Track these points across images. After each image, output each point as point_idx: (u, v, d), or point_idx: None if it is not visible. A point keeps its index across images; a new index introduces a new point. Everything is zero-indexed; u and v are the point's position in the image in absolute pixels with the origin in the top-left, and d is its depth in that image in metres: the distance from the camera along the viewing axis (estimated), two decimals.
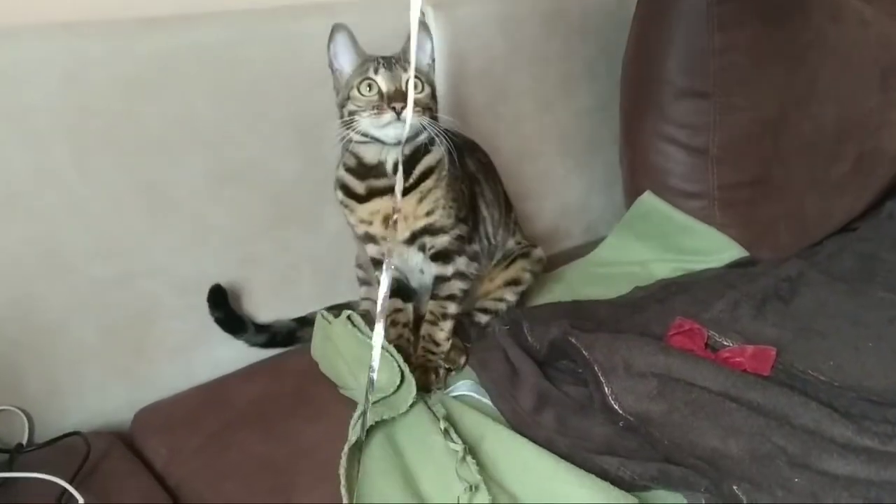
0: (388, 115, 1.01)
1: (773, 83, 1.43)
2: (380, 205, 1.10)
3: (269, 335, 1.25)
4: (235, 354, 1.22)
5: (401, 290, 1.18)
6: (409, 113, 0.92)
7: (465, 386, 1.07)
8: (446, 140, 1.07)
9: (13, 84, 1.01)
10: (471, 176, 1.23)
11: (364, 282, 1.28)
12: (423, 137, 1.09)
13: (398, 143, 0.99)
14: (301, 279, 1.30)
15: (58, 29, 1.06)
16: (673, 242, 1.47)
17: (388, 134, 1.04)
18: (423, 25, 1.05)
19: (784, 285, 1.30)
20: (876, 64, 1.59)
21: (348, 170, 1.12)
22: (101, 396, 1.14)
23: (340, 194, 1.14)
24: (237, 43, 1.18)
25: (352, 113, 1.04)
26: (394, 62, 1.05)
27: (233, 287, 1.22)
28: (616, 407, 0.98)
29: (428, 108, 1.07)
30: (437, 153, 1.12)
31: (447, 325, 1.14)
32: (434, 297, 1.15)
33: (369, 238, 1.14)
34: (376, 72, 1.04)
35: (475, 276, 1.20)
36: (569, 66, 1.60)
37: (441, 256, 1.14)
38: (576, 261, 1.51)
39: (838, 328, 1.19)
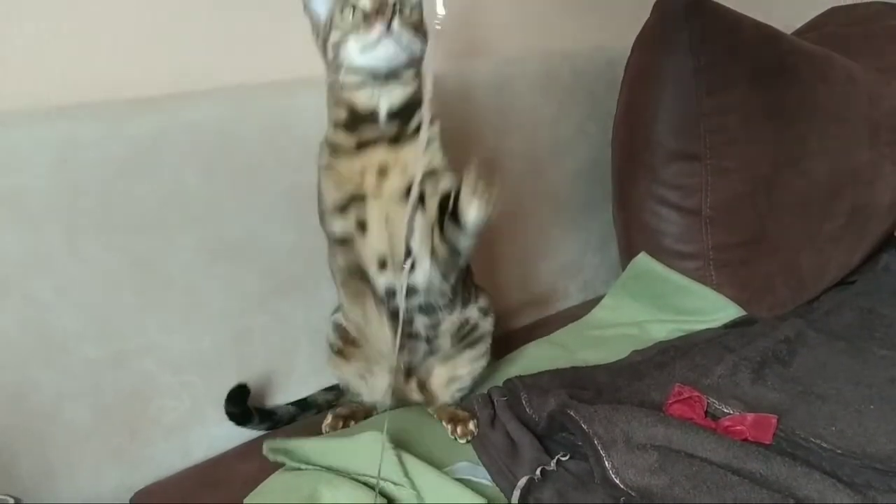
0: (378, 29, 0.91)
1: (764, 143, 1.44)
2: (373, 156, 1.00)
3: (272, 422, 1.23)
4: (231, 432, 1.20)
5: None
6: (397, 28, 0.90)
7: (463, 469, 1.05)
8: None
9: (5, 168, 1.02)
10: None
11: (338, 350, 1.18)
12: (414, 75, 0.98)
13: (391, 77, 0.95)
14: (298, 351, 1.29)
15: (49, 112, 1.06)
16: (669, 303, 1.47)
17: (379, 56, 0.94)
18: None
19: (783, 347, 1.29)
20: (866, 120, 1.61)
21: (337, 126, 1.01)
22: (94, 479, 1.12)
23: (326, 155, 1.03)
24: (228, 119, 1.18)
25: (336, 45, 0.96)
26: None
27: (228, 363, 1.21)
28: (617, 481, 0.97)
29: (419, 30, 0.96)
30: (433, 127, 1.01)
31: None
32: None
33: (350, 199, 1.01)
34: None
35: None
36: (560, 127, 1.61)
37: (453, 202, 0.99)
38: (572, 323, 1.50)
39: (839, 390, 1.18)
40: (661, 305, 1.47)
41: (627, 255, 1.53)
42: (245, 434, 1.21)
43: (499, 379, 1.24)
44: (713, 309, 1.44)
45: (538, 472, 0.98)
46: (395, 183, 1.00)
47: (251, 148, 1.20)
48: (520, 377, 1.21)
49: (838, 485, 0.94)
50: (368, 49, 0.93)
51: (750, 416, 1.08)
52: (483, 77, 1.48)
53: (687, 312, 1.45)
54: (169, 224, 1.14)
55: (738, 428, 1.06)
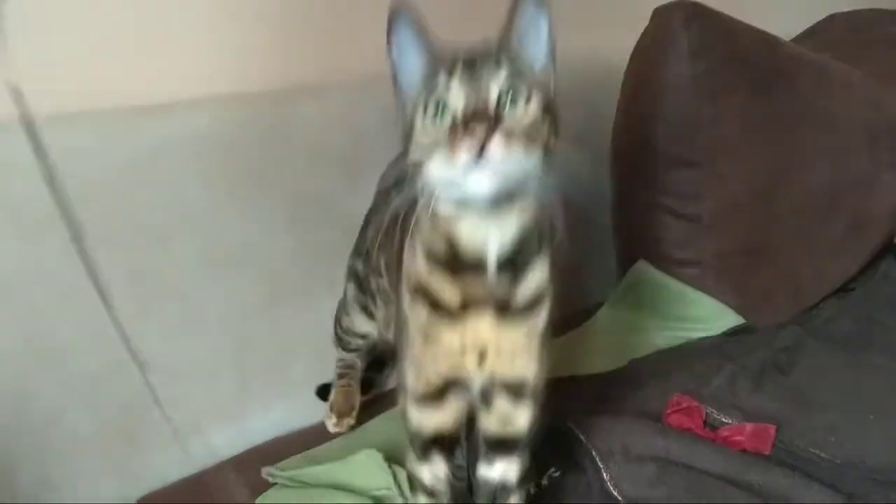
0: (465, 151, 0.59)
1: (763, 150, 1.43)
2: (481, 328, 0.70)
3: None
4: (229, 440, 1.21)
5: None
6: (496, 149, 0.59)
7: None
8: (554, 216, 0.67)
9: (5, 177, 1.02)
10: None
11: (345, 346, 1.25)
12: (533, 199, 0.66)
13: (499, 207, 0.64)
14: (296, 359, 1.29)
15: (50, 121, 1.06)
16: (668, 311, 1.46)
17: (468, 191, 0.62)
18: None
19: (781, 356, 1.30)
20: (865, 126, 1.60)
21: (431, 258, 0.70)
22: (94, 488, 1.13)
23: (423, 313, 0.72)
24: (228, 128, 1.18)
25: (416, 164, 0.65)
26: (482, 58, 0.65)
27: (227, 371, 1.21)
28: (615, 493, 0.97)
29: (535, 136, 0.64)
30: (546, 265, 0.72)
31: None
32: None
33: (444, 391, 0.75)
34: (449, 79, 0.63)
35: None
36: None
37: (506, 445, 0.79)
38: (571, 332, 1.50)
39: (838, 400, 1.18)
40: (660, 313, 1.47)
41: (626, 261, 1.53)
42: (243, 443, 1.21)
43: None
44: (712, 316, 1.44)
45: (531, 487, 0.98)
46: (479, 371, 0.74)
47: (250, 157, 1.20)
48: None
49: (836, 496, 0.94)
50: (455, 181, 0.61)
51: (749, 427, 1.08)
52: None
53: (686, 320, 1.45)
54: (169, 233, 1.14)
55: (737, 438, 1.06)
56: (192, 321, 1.18)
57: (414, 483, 0.86)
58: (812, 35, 2.02)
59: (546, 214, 0.68)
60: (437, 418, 0.79)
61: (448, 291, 0.70)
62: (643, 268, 1.49)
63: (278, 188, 1.23)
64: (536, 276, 0.71)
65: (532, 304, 0.72)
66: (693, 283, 1.45)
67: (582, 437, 1.02)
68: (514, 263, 0.69)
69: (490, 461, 0.82)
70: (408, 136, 0.67)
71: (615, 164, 1.52)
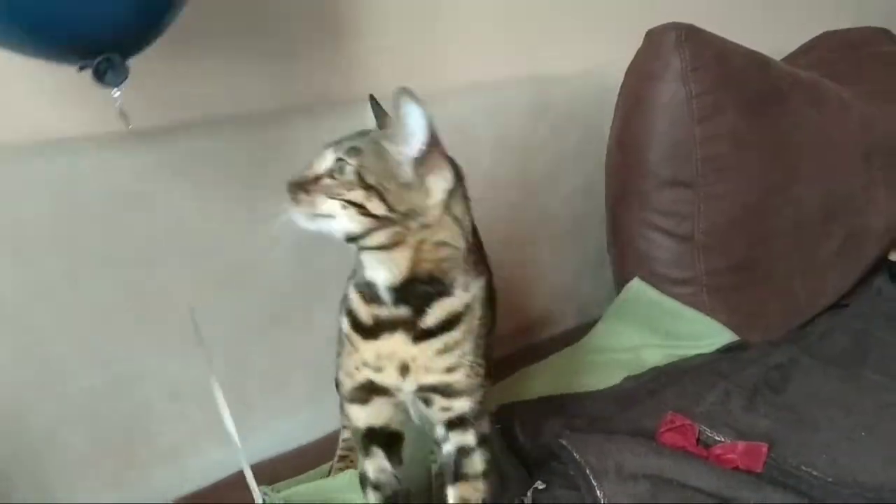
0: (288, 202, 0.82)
1: (756, 169, 1.45)
2: (392, 345, 0.84)
3: None
4: (227, 458, 1.21)
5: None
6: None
7: None
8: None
9: (5, 200, 1.03)
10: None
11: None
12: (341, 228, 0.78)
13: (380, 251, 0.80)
14: (292, 381, 1.30)
15: (50, 145, 1.08)
16: (663, 328, 1.47)
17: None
18: (410, 97, 0.77)
19: (775, 373, 1.30)
20: (858, 145, 1.62)
21: (357, 285, 0.87)
22: None
23: (346, 324, 0.88)
24: (225, 150, 1.20)
25: None
26: (350, 139, 0.81)
27: (224, 390, 1.21)
28: None
29: (344, 200, 0.77)
30: (466, 295, 0.84)
31: None
32: (460, 478, 0.91)
33: (369, 391, 0.89)
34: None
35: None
36: (555, 152, 1.63)
37: (459, 424, 0.90)
38: (566, 348, 1.51)
39: (831, 417, 1.19)
40: (654, 330, 1.48)
41: (621, 280, 1.54)
42: (238, 462, 1.22)
43: (493, 405, 1.25)
44: (707, 334, 1.45)
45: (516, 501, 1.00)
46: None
47: (247, 178, 1.21)
48: (513, 404, 1.22)
49: None
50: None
51: (741, 445, 1.09)
52: (479, 104, 1.50)
53: (680, 337, 1.46)
54: (167, 254, 1.15)
55: (730, 456, 1.07)
56: (188, 340, 1.18)
57: (363, 480, 0.94)
58: (806, 53, 2.04)
59: (455, 254, 0.82)
60: (366, 414, 0.91)
61: (363, 312, 0.85)
62: (638, 286, 1.50)
63: (274, 208, 1.24)
64: (447, 303, 0.83)
65: (445, 325, 0.83)
66: (687, 301, 1.47)
67: (576, 455, 1.03)
68: (413, 295, 0.82)
69: (446, 439, 0.91)
70: None
71: (610, 182, 1.54)
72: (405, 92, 0.76)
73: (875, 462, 1.08)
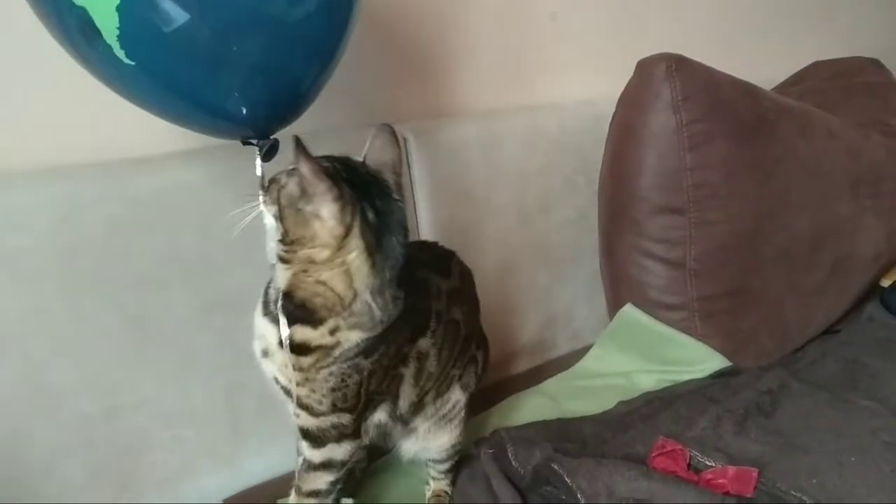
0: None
1: (746, 197, 1.47)
2: (265, 329, 0.95)
3: None
4: (222, 484, 1.22)
5: None
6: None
7: None
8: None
9: (4, 227, 1.05)
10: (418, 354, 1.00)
11: None
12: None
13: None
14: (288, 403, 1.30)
15: (49, 173, 1.10)
16: (656, 354, 1.49)
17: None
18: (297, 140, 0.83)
19: (766, 398, 1.31)
20: (846, 174, 1.64)
21: None
22: None
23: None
24: (221, 177, 1.22)
25: None
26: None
27: (220, 416, 1.23)
28: None
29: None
30: (328, 338, 0.89)
31: None
32: (296, 488, 1.00)
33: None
34: None
35: (350, 463, 1.00)
36: (548, 180, 1.65)
37: (309, 437, 0.96)
38: (561, 374, 1.52)
39: (821, 442, 1.20)
40: (647, 356, 1.50)
41: (614, 306, 1.56)
42: (234, 486, 1.23)
43: (487, 430, 1.26)
44: (699, 359, 1.46)
45: None
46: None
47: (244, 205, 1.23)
48: (507, 429, 1.23)
49: None
50: None
51: (731, 470, 1.10)
52: (472, 134, 1.52)
53: (673, 363, 1.47)
54: (164, 281, 1.17)
55: (720, 481, 1.08)
56: (186, 366, 1.20)
57: None
58: (796, 82, 2.07)
59: (332, 299, 0.87)
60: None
61: (270, 293, 0.94)
62: (631, 312, 1.52)
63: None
64: (304, 331, 0.89)
65: (296, 348, 0.90)
66: (680, 327, 1.48)
67: (567, 479, 1.04)
68: (286, 307, 0.90)
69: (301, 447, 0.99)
70: None
71: (602, 209, 1.56)
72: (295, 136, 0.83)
73: (863, 488, 1.09)
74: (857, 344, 1.57)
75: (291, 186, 0.86)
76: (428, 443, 1.09)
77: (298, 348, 0.89)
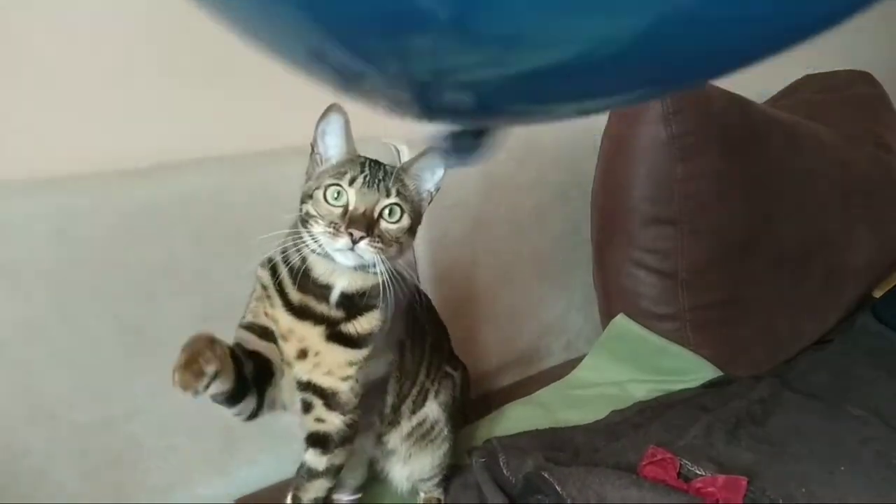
0: (343, 241, 0.83)
1: (737, 208, 1.48)
2: (305, 332, 0.91)
3: None
4: (215, 492, 1.22)
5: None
6: (365, 248, 0.83)
7: None
8: (390, 290, 0.88)
9: (1, 236, 1.06)
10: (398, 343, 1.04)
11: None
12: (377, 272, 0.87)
13: (355, 269, 0.87)
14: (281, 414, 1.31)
15: (45, 184, 1.11)
16: (648, 364, 1.50)
17: (337, 259, 0.86)
18: (437, 152, 0.86)
19: (757, 407, 1.32)
20: (836, 185, 1.66)
21: (290, 269, 0.92)
22: None
23: (266, 276, 0.95)
24: (217, 189, 1.23)
25: (308, 216, 0.87)
26: (381, 177, 0.87)
27: (213, 425, 1.23)
28: None
29: (397, 241, 0.88)
30: (381, 313, 0.92)
31: None
32: (294, 497, 1.00)
33: (265, 335, 0.94)
34: (352, 183, 0.86)
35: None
36: (542, 192, 1.66)
37: (320, 441, 0.96)
38: (554, 383, 1.53)
39: (812, 450, 1.21)
40: (640, 366, 1.51)
41: (607, 316, 1.57)
42: (227, 495, 1.23)
43: (479, 439, 1.27)
44: (691, 369, 1.47)
45: None
46: (300, 368, 0.94)
47: (239, 216, 1.24)
48: (499, 438, 1.24)
49: None
50: (331, 248, 0.85)
51: (721, 478, 1.10)
52: None
53: (666, 372, 1.48)
54: (159, 291, 1.18)
55: (710, 490, 1.08)
56: None
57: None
58: (788, 94, 2.09)
59: (392, 283, 0.88)
60: (253, 343, 0.94)
61: (294, 295, 0.91)
62: (623, 322, 1.53)
63: (265, 246, 1.27)
64: (370, 320, 0.92)
65: (361, 340, 0.91)
66: (672, 337, 1.49)
67: (557, 487, 1.04)
68: (352, 304, 0.90)
69: (306, 451, 0.98)
70: (307, 194, 0.90)
71: (595, 221, 1.57)
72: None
73: (852, 495, 1.10)
74: (849, 354, 1.59)
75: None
76: (412, 466, 1.12)
77: (366, 339, 0.92)
